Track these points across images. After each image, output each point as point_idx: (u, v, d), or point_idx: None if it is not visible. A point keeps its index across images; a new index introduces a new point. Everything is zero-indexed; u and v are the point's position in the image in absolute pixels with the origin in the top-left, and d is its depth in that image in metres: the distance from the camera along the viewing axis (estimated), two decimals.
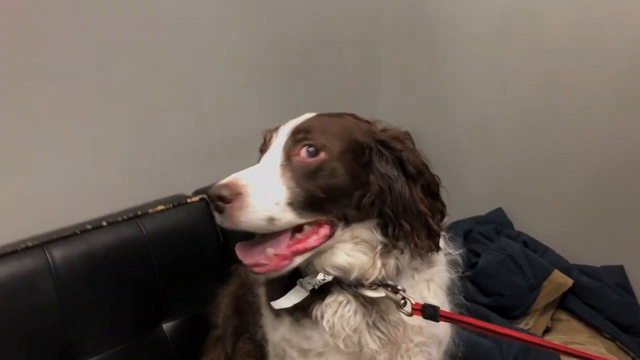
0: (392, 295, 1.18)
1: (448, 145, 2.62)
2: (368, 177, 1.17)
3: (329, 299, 1.21)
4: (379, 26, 2.71)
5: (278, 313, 1.26)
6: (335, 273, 1.17)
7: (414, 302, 1.16)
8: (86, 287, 1.52)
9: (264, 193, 1.06)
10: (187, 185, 1.95)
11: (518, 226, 2.43)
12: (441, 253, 1.31)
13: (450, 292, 1.36)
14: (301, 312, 1.22)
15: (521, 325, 2.11)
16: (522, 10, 2.23)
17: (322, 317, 1.20)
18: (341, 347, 1.20)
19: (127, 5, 1.80)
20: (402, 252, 1.21)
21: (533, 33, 2.23)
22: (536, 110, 2.30)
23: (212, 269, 1.74)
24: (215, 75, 2.07)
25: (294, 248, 1.11)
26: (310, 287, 1.19)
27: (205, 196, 1.84)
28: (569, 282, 2.10)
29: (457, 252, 1.36)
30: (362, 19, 2.64)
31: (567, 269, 2.14)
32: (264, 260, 1.08)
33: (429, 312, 1.15)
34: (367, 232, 1.19)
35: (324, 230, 1.15)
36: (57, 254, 1.49)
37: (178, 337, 1.71)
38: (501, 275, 2.09)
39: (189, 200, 1.79)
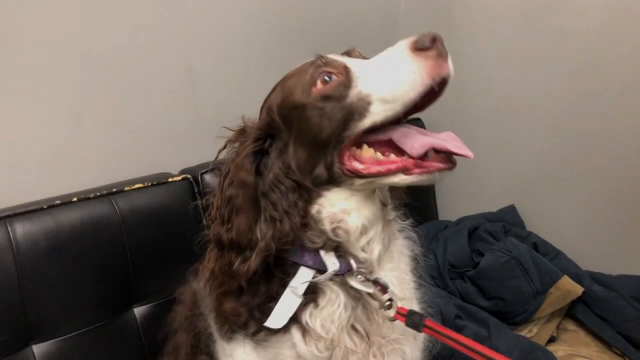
0: (378, 294, 1.08)
1: (462, 135, 2.43)
2: None
3: (323, 301, 1.09)
4: (396, 6, 2.56)
5: (231, 337, 1.13)
6: (355, 238, 1.07)
7: (399, 306, 1.07)
8: (49, 265, 1.43)
9: None
10: (174, 164, 1.86)
11: (530, 226, 2.28)
12: (395, 224, 1.23)
13: (414, 270, 1.26)
14: (266, 330, 1.08)
15: (524, 333, 1.97)
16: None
17: (314, 323, 1.08)
18: (316, 354, 1.08)
19: None
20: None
21: (558, 17, 2.06)
22: (558, 102, 2.14)
23: (190, 253, 1.64)
24: (210, 49, 1.96)
25: None
26: (303, 289, 1.07)
27: (189, 176, 1.75)
28: (579, 290, 1.94)
29: (406, 223, 1.27)
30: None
31: (578, 275, 1.98)
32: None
33: (414, 320, 1.05)
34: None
35: None
36: (20, 228, 1.41)
37: (149, 322, 1.62)
38: (504, 278, 1.95)
39: (170, 179, 1.70)
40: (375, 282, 1.08)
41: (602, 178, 2.08)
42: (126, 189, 1.61)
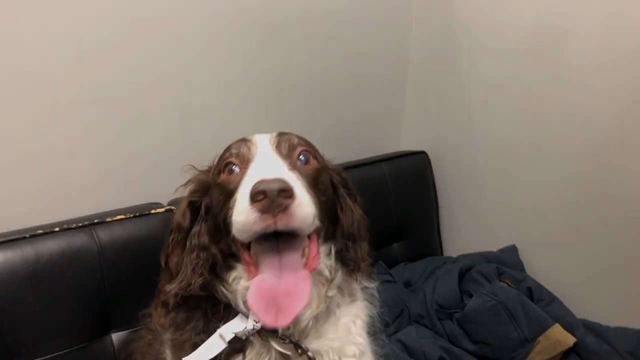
0: (296, 355, 1.11)
1: (467, 171, 2.43)
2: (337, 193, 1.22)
3: (251, 353, 1.12)
4: (404, 43, 2.56)
5: None
6: None
7: None
8: (27, 292, 1.51)
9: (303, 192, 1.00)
10: (166, 195, 1.92)
11: (529, 268, 2.22)
12: (359, 288, 1.27)
13: (371, 330, 1.29)
14: None
15: None
16: (547, 29, 2.00)
17: None
18: None
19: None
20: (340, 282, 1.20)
21: (561, 57, 2.01)
22: (564, 139, 2.08)
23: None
24: (205, 84, 2.03)
25: (312, 262, 1.05)
26: (230, 337, 1.10)
27: (173, 208, 1.81)
28: (570, 340, 1.86)
29: (373, 285, 1.30)
30: (386, 34, 2.51)
31: (570, 324, 1.91)
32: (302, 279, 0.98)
33: None
34: (324, 259, 1.15)
35: (315, 246, 1.09)
36: (1, 256, 1.50)
37: (126, 348, 1.67)
38: (489, 322, 1.90)
39: (152, 211, 1.77)
40: (297, 345, 1.10)
41: (607, 225, 2.00)
42: (108, 219, 1.68)
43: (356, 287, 1.28)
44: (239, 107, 2.13)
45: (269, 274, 0.99)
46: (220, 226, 1.08)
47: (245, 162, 1.09)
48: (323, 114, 2.39)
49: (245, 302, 1.08)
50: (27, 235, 1.56)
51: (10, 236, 1.55)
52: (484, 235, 2.39)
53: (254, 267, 1.03)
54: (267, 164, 1.06)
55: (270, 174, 0.97)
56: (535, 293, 2.04)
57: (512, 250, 2.25)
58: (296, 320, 1.08)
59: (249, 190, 0.93)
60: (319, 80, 2.33)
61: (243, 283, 1.09)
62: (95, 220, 1.67)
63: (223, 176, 1.10)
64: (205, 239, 1.14)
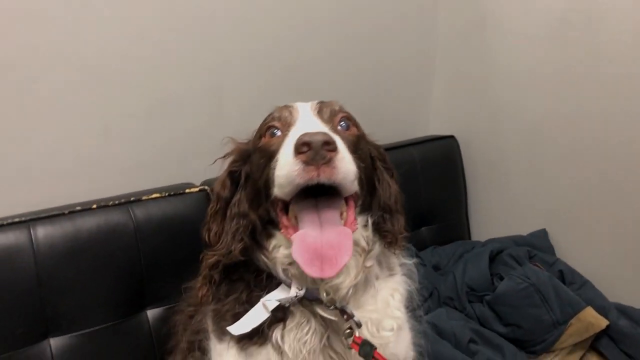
0: (342, 321, 1.12)
1: (496, 156, 2.42)
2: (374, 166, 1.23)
3: (291, 322, 1.14)
4: (433, 27, 2.55)
5: (222, 338, 1.20)
6: (310, 282, 1.09)
7: (357, 335, 1.10)
8: (66, 266, 1.56)
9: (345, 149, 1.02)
10: (198, 175, 1.94)
11: (560, 252, 2.20)
12: (397, 262, 1.29)
13: (410, 305, 1.30)
14: (248, 337, 1.14)
15: None
16: (580, 11, 1.98)
17: (283, 343, 1.12)
18: None
19: None
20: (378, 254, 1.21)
21: (591, 37, 1.98)
22: (594, 123, 2.05)
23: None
24: (238, 67, 2.05)
25: (350, 226, 1.04)
26: (274, 306, 1.12)
27: (206, 187, 1.83)
28: (603, 323, 1.85)
29: (411, 262, 1.31)
30: (415, 18, 2.50)
31: (604, 307, 1.89)
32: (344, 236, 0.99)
33: (365, 350, 1.08)
34: (360, 230, 1.16)
35: (352, 212, 1.09)
36: (41, 231, 1.54)
37: (161, 324, 1.70)
38: (521, 305, 1.89)
39: (187, 190, 1.79)
40: (342, 311, 1.11)
41: (639, 209, 1.97)
42: (144, 198, 1.72)
43: (394, 261, 1.29)
44: (270, 90, 2.14)
45: (311, 229, 1.00)
46: (261, 190, 1.10)
47: (287, 126, 1.11)
48: (352, 97, 2.34)
49: (285, 271, 1.11)
50: (65, 212, 1.60)
51: (50, 212, 1.59)
52: (513, 219, 2.37)
53: (292, 230, 1.04)
54: (309, 126, 1.07)
55: (314, 129, 0.99)
56: (567, 276, 2.02)
57: (543, 234, 2.24)
58: (336, 288, 1.10)
59: (293, 143, 0.95)
60: (348, 63, 2.34)
61: (282, 251, 1.11)
62: (132, 199, 1.71)
63: (264, 140, 1.12)
64: (244, 207, 1.16)
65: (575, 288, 1.98)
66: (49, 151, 1.74)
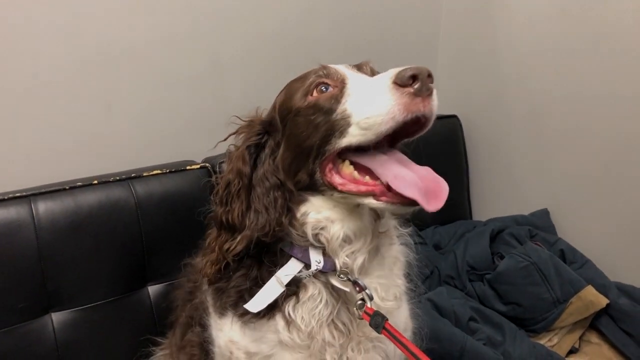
0: (354, 293, 1.14)
1: (498, 135, 2.41)
2: None
3: (304, 296, 1.15)
4: (436, 4, 2.52)
5: (224, 314, 1.21)
6: (337, 246, 1.11)
7: (369, 306, 1.11)
8: (67, 241, 1.56)
9: None
10: (197, 153, 1.94)
11: (561, 232, 2.20)
12: (395, 232, 1.28)
13: (408, 274, 1.31)
14: (254, 313, 1.14)
15: (543, 342, 1.91)
16: None
17: (295, 315, 1.14)
18: (298, 342, 1.14)
19: None
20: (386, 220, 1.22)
21: (598, 15, 1.96)
22: (599, 105, 2.04)
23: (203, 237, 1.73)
24: (238, 42, 2.03)
25: None
26: (288, 280, 1.13)
27: (207, 164, 1.83)
28: (603, 301, 1.86)
29: (407, 230, 1.31)
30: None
31: (604, 286, 1.90)
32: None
33: (376, 321, 1.09)
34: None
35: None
36: (42, 206, 1.54)
37: (162, 300, 1.71)
38: (521, 283, 1.90)
39: (188, 167, 1.78)
40: (355, 283, 1.12)
41: None
42: (144, 174, 1.72)
43: (393, 230, 1.29)
44: (272, 69, 2.12)
45: (398, 170, 1.02)
46: (310, 150, 1.09)
47: (339, 81, 1.10)
48: None
49: (315, 235, 1.11)
50: (66, 187, 1.60)
51: (51, 187, 1.59)
52: (515, 199, 2.37)
53: (360, 183, 1.05)
54: (369, 78, 1.08)
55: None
56: (567, 255, 2.03)
57: (544, 213, 2.23)
58: (353, 257, 1.12)
59: (391, 78, 0.97)
60: (351, 39, 2.32)
61: (314, 215, 1.11)
62: (133, 175, 1.70)
63: (313, 97, 1.10)
64: (280, 176, 1.15)
65: (576, 267, 1.99)
66: (52, 127, 1.74)
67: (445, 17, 2.53)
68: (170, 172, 1.75)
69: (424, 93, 0.97)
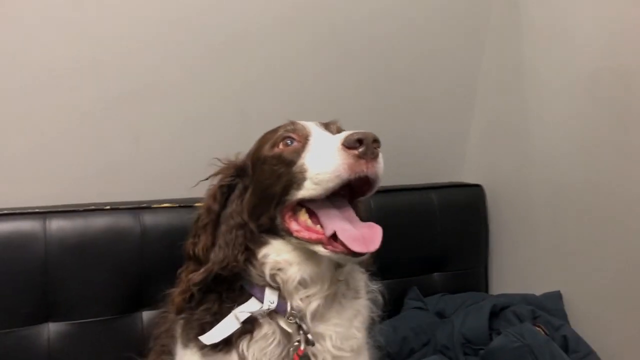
0: (295, 336, 1.21)
1: (522, 211, 2.37)
2: None
3: (258, 334, 1.23)
4: (473, 76, 2.57)
5: (187, 345, 1.29)
6: (293, 288, 1.19)
7: (301, 349, 1.19)
8: (72, 258, 1.70)
9: None
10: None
11: (572, 318, 2.10)
12: (364, 286, 1.36)
13: (370, 331, 1.37)
14: (212, 346, 1.22)
15: None
16: (611, 70, 1.94)
17: (247, 353, 1.21)
18: None
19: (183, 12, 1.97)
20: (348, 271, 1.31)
21: (621, 97, 1.93)
22: (622, 187, 1.97)
23: None
24: (264, 94, 2.15)
25: None
26: (244, 318, 1.21)
27: None
28: None
29: (375, 287, 1.39)
30: (458, 62, 2.52)
31: None
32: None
33: None
34: None
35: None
36: (55, 224, 1.70)
37: (152, 327, 1.78)
38: None
39: (196, 204, 1.88)
40: (299, 326, 1.20)
41: None
42: (154, 206, 1.85)
43: (362, 285, 1.36)
44: (301, 117, 2.22)
45: (343, 225, 1.13)
46: (272, 197, 1.19)
47: (303, 137, 1.22)
48: (383, 131, 2.42)
49: (272, 276, 1.20)
50: (80, 209, 1.75)
51: (65, 208, 1.75)
52: (531, 277, 2.29)
53: (312, 231, 1.16)
54: (330, 136, 1.19)
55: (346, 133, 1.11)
56: (570, 343, 1.93)
57: (556, 296, 2.14)
58: (307, 302, 1.20)
59: (341, 140, 1.08)
60: (383, 98, 2.41)
61: (273, 257, 1.21)
62: (143, 205, 1.84)
63: (278, 149, 1.22)
64: (244, 217, 1.25)
65: (577, 357, 1.89)
66: (82, 152, 1.90)
67: (481, 85, 2.57)
68: (178, 206, 1.87)
69: (369, 156, 1.07)
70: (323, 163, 1.11)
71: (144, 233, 1.79)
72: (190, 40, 2.00)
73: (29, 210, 1.70)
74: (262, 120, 2.14)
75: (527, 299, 2.16)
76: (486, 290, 2.47)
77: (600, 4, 2.00)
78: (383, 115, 2.42)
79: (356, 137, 1.07)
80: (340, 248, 1.10)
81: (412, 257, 2.28)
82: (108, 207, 1.79)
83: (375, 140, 1.08)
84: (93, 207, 1.77)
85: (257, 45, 2.11)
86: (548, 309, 2.10)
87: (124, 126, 1.96)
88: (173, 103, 2.02)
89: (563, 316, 2.10)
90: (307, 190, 1.13)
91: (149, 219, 1.82)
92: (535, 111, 2.28)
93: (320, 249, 1.14)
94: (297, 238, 1.18)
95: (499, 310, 2.07)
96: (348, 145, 1.07)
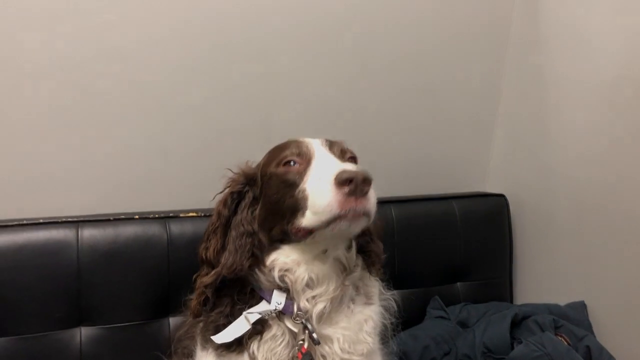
0: (300, 335, 1.27)
1: (545, 220, 2.37)
2: None
3: (268, 335, 1.29)
4: (496, 87, 2.59)
5: (204, 346, 1.36)
6: (301, 288, 1.26)
7: (305, 347, 1.25)
8: (103, 265, 1.78)
9: None
10: None
11: (597, 328, 2.09)
12: (377, 293, 1.42)
13: (383, 338, 1.42)
14: (227, 346, 1.29)
15: None
16: (631, 79, 1.93)
17: (257, 353, 1.28)
18: None
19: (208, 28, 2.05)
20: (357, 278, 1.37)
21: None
22: None
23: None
24: (289, 104, 2.21)
25: None
26: (255, 319, 1.28)
27: None
28: None
29: (390, 294, 1.44)
30: (479, 77, 2.55)
31: None
32: None
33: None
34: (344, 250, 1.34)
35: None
36: (87, 232, 1.78)
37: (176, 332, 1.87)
38: None
39: None
40: (305, 327, 1.26)
41: None
42: (181, 215, 1.92)
43: (374, 291, 1.42)
44: (320, 132, 2.27)
45: None
46: (283, 214, 1.25)
47: (306, 159, 1.27)
48: (409, 145, 2.50)
49: (281, 277, 1.27)
50: (110, 218, 1.84)
51: (97, 217, 1.84)
52: (556, 287, 2.29)
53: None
54: (330, 161, 1.25)
55: (349, 167, 1.17)
56: (594, 354, 1.92)
57: (581, 306, 2.13)
58: (314, 302, 1.26)
59: (333, 177, 1.13)
60: (407, 109, 2.46)
61: (282, 259, 1.27)
62: (170, 214, 1.91)
63: (282, 168, 1.28)
64: (253, 226, 1.32)
65: None
66: (114, 165, 2.00)
67: (504, 95, 2.59)
68: (204, 215, 1.93)
69: (358, 194, 1.12)
70: (319, 196, 1.17)
71: (171, 241, 1.86)
72: (215, 57, 2.08)
73: (63, 220, 1.79)
74: (285, 131, 2.23)
75: (550, 309, 2.15)
76: (510, 300, 2.46)
77: (620, 14, 2.01)
78: (407, 125, 2.47)
79: (345, 176, 1.12)
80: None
81: (434, 267, 2.30)
82: (137, 217, 1.87)
83: (365, 180, 1.12)
84: (123, 217, 1.86)
85: (280, 57, 2.18)
86: (572, 319, 2.09)
87: (152, 141, 2.04)
88: (198, 118, 2.10)
89: (587, 326, 2.09)
90: (308, 219, 1.19)
91: (175, 227, 1.89)
92: (557, 121, 2.29)
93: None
94: (311, 232, 1.21)
95: (521, 320, 2.07)
96: (339, 182, 1.12)
